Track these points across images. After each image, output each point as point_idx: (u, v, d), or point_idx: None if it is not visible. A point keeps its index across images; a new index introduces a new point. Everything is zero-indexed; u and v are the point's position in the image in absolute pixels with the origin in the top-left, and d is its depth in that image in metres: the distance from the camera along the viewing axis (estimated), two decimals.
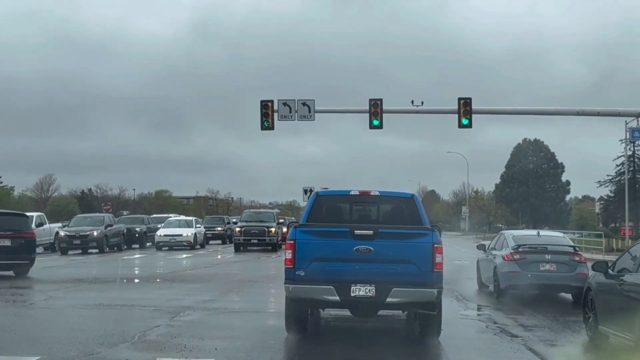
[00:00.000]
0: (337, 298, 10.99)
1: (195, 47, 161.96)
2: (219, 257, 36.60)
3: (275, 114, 31.31)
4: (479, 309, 16.84)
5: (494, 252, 20.17)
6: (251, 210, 50.83)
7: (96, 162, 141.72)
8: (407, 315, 13.17)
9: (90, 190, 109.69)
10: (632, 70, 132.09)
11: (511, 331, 13.08)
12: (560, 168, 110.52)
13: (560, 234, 22.36)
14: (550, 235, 21.58)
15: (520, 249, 18.89)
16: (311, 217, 11.68)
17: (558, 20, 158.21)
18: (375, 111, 31.85)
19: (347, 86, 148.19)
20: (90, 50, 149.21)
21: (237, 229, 41.64)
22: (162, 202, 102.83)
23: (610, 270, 11.71)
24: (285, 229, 44.52)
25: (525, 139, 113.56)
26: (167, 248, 42.71)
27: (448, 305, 14.95)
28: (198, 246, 44.41)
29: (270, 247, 40.75)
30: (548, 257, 18.82)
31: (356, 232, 11.03)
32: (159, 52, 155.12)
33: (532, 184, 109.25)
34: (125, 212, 76.39)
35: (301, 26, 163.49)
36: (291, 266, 11.11)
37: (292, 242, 11.06)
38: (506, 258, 18.96)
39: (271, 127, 31.56)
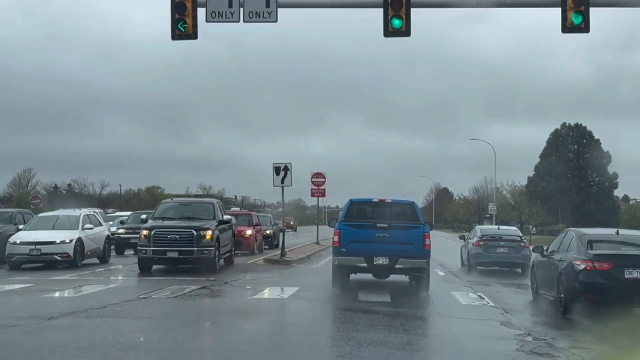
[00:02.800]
0: (365, 265, 19.44)
1: (196, 43, 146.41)
2: (72, 294, 18.50)
3: (203, 12, 18.67)
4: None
5: (469, 240, 30.37)
6: (174, 200, 30.26)
7: (91, 159, 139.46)
8: (409, 279, 21.37)
9: (69, 185, 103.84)
10: None
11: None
12: (606, 158, 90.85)
13: (513, 228, 37.02)
14: (505, 228, 33.76)
15: (483, 237, 29.00)
16: (348, 215, 19.95)
17: None
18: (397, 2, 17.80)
19: (354, 84, 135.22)
20: (88, 47, 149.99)
21: (144, 233, 24.31)
22: (155, 200, 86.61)
23: (545, 252, 18.13)
24: (270, 231, 41.14)
25: (565, 123, 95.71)
26: (30, 264, 25.94)
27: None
28: (97, 259, 28.58)
29: (204, 267, 24.06)
30: (502, 243, 28.77)
31: (377, 225, 19.44)
32: (159, 49, 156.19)
33: (572, 176, 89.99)
34: (110, 210, 68.58)
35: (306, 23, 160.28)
36: (338, 245, 19.45)
37: (339, 230, 19.47)
38: (475, 244, 28.86)
39: (190, 33, 18.42)
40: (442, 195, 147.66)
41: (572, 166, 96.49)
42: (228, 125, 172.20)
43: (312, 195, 41.92)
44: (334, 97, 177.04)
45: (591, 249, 15.48)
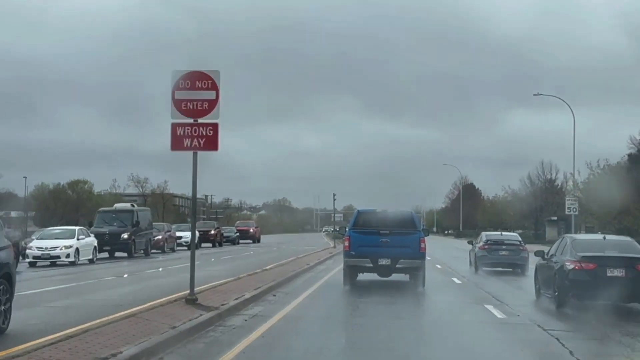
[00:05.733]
0: (371, 265, 23.08)
1: (155, 14, 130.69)
2: None
3: None
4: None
5: (476, 244, 34.32)
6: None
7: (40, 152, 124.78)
8: (409, 278, 24.59)
9: None
10: None
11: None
12: None
13: (514, 234, 39.59)
14: (507, 234, 37.33)
15: (488, 242, 32.99)
16: (355, 223, 23.54)
17: None
18: None
19: (349, 62, 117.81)
20: (22, 20, 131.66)
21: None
22: (78, 198, 72.71)
23: (545, 256, 20.32)
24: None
25: None
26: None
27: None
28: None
29: None
30: (504, 246, 32.58)
31: (380, 231, 22.94)
32: (109, 21, 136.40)
33: None
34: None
35: None
36: (348, 249, 23.27)
37: (348, 237, 23.42)
38: (480, 248, 33.06)
39: None
40: (470, 191, 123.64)
41: None
42: None
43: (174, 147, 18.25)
44: (324, 78, 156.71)
45: (580, 251, 18.12)
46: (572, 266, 17.63)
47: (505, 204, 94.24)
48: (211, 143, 17.23)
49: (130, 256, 41.29)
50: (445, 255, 47.96)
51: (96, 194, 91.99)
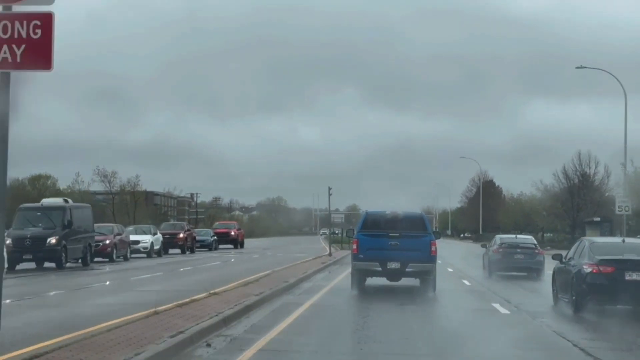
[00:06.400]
0: (380, 269, 22.53)
1: None
2: None
3: None
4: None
5: (489, 248, 33.72)
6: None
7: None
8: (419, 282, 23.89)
9: None
10: None
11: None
12: None
13: (529, 236, 38.64)
14: (522, 236, 36.92)
15: (502, 245, 32.37)
16: (364, 225, 22.92)
17: None
18: None
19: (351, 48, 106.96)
20: None
21: None
22: (39, 195, 63.79)
23: (563, 259, 20.02)
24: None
25: None
26: None
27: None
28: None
29: None
30: (519, 250, 31.95)
31: (390, 234, 22.42)
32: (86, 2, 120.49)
33: None
34: None
35: None
36: (356, 252, 22.62)
37: (357, 239, 22.77)
38: (494, 251, 32.23)
39: None
40: (488, 191, 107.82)
41: None
42: (185, 105, 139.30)
43: None
44: (324, 66, 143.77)
45: (598, 254, 17.90)
46: (589, 269, 17.67)
47: (535, 202, 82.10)
48: (38, 53, 8.90)
49: (60, 267, 31.95)
50: (464, 264, 40.60)
51: (62, 190, 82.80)
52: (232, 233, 62.50)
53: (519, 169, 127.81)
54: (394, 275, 23.04)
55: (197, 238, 54.13)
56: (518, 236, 36.13)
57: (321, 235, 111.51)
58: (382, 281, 23.80)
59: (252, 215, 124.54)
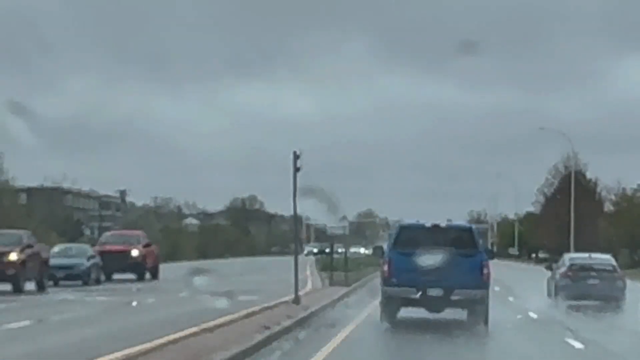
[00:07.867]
0: (418, 296, 19.93)
1: None
2: None
3: None
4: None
5: (556, 270, 32.13)
6: None
7: None
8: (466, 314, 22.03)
9: None
10: None
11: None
12: None
13: (607, 256, 34.61)
14: (597, 256, 33.84)
15: (572, 267, 30.56)
16: (397, 242, 20.63)
17: None
18: None
19: None
20: None
21: None
22: None
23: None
24: None
25: None
26: None
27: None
28: None
29: None
30: (593, 273, 29.88)
31: (430, 252, 19.78)
32: None
33: None
34: None
35: None
36: (388, 276, 20.32)
37: (389, 259, 20.49)
38: (562, 274, 30.47)
39: None
40: (578, 185, 70.27)
41: None
42: (119, 64, 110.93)
43: None
44: (321, 9, 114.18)
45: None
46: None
47: None
48: None
49: None
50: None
51: None
52: (134, 253, 38.64)
53: (617, 155, 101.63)
54: (435, 304, 20.79)
55: (55, 262, 32.59)
56: (592, 255, 33.43)
57: (305, 253, 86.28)
58: (420, 312, 21.53)
59: (212, 226, 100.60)
